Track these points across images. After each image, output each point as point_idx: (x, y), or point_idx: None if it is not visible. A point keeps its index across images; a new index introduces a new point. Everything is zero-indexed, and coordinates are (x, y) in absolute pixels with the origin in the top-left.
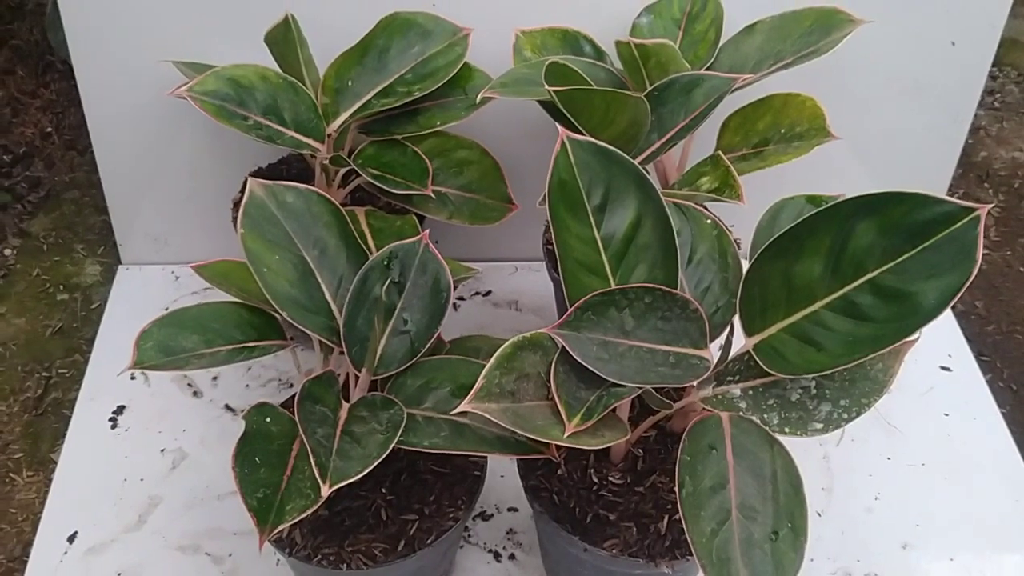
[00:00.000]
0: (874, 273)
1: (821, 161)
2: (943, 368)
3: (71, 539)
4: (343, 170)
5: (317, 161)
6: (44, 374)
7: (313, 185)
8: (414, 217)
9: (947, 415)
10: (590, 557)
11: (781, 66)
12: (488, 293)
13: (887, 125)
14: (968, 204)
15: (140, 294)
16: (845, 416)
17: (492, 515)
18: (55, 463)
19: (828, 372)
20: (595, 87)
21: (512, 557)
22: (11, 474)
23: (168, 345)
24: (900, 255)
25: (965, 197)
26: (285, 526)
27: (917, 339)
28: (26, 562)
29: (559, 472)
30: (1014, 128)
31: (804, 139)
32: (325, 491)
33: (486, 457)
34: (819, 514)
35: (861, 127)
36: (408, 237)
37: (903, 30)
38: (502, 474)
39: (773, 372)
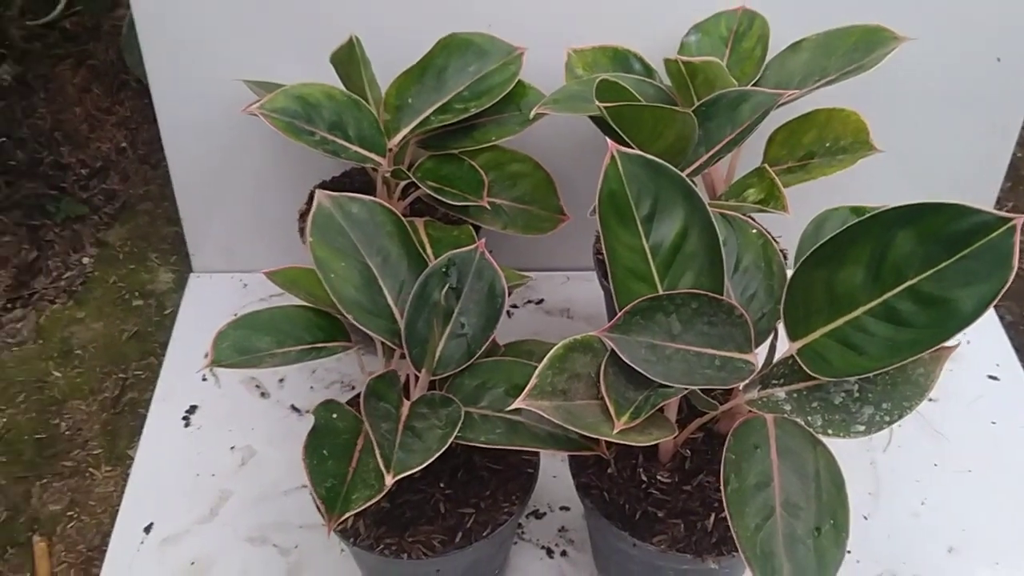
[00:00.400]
0: (913, 280)
1: (865, 174)
2: (991, 377)
3: (147, 530)
4: (403, 183)
5: (379, 174)
6: (121, 375)
7: (375, 197)
8: (470, 227)
9: (994, 423)
10: (639, 553)
11: (826, 82)
12: (540, 301)
13: (932, 139)
14: (1004, 214)
15: (210, 300)
16: (887, 419)
17: (545, 513)
18: (132, 459)
19: (870, 376)
20: (644, 103)
21: (564, 554)
22: (91, 469)
23: (243, 345)
24: (939, 263)
25: (1014, 210)
26: (351, 514)
27: (957, 345)
28: (105, 551)
29: (609, 471)
30: None
31: (848, 152)
32: (389, 481)
33: (539, 456)
34: (865, 517)
35: (906, 141)
36: (464, 246)
37: (947, 46)
38: (554, 475)
39: (816, 376)
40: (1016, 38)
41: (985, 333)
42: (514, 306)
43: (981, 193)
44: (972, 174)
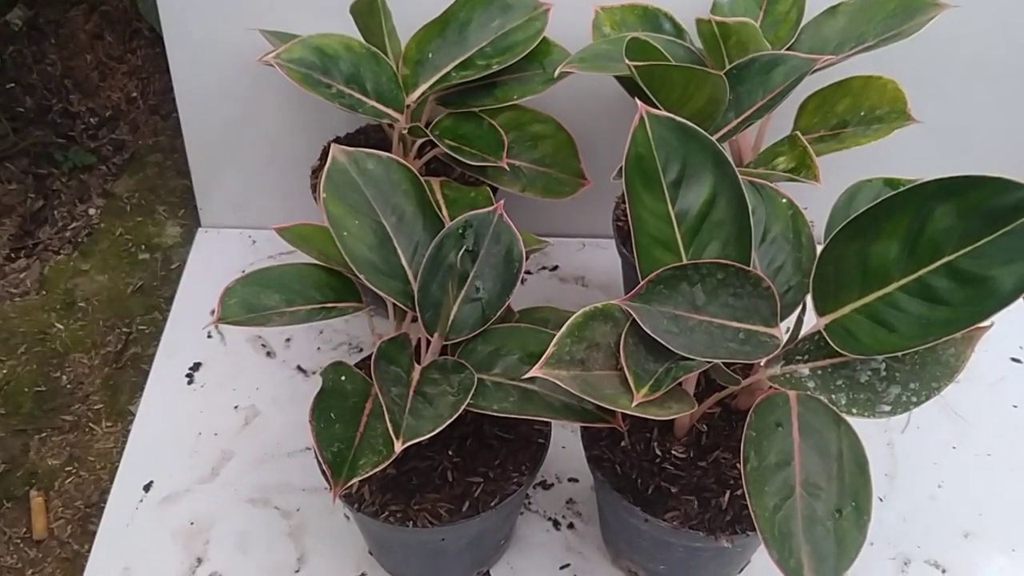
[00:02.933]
0: (951, 256)
1: (898, 146)
2: (1014, 360)
3: (147, 488)
4: (420, 141)
5: (395, 131)
6: (125, 330)
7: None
8: (487, 188)
9: (1015, 407)
10: (650, 528)
11: (863, 48)
12: (555, 268)
13: (969, 112)
14: None
15: (218, 256)
16: (914, 400)
17: (553, 484)
18: (133, 415)
19: (899, 354)
20: (675, 63)
21: (571, 526)
22: (91, 424)
23: (251, 302)
24: (979, 239)
25: None
26: (357, 480)
27: (991, 325)
28: (103, 508)
29: (622, 444)
30: None
31: (884, 122)
32: (398, 447)
33: (550, 425)
34: (881, 499)
35: (942, 114)
36: (481, 208)
37: (989, 15)
38: (564, 445)
39: (844, 352)
40: None
41: (1009, 314)
42: (528, 272)
43: (1016, 170)
44: (1009, 151)
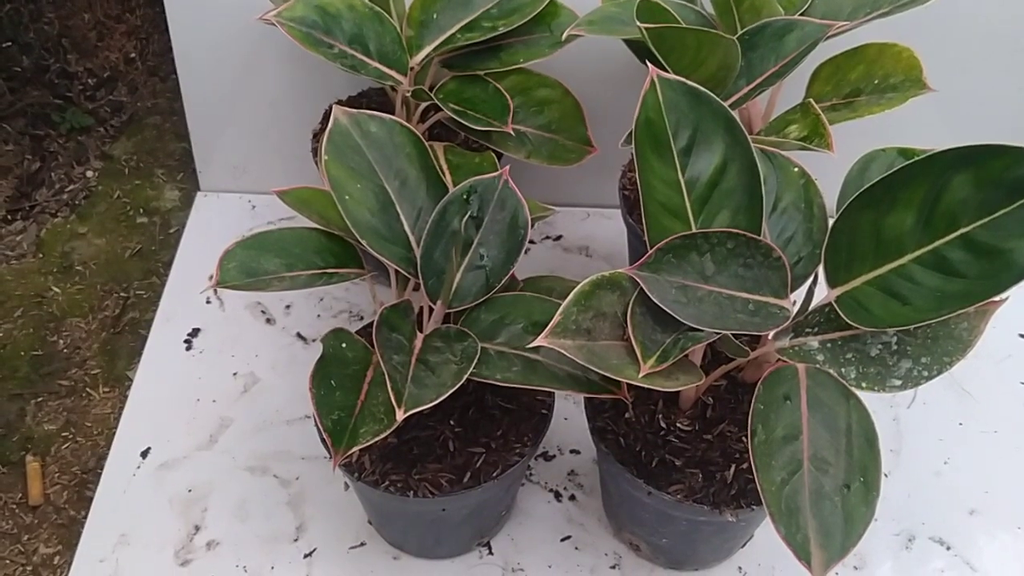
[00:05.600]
0: (967, 228)
1: (910, 116)
2: (1022, 336)
3: (144, 454)
4: (423, 105)
5: (398, 94)
6: (122, 294)
7: None
8: (492, 154)
9: (1023, 384)
10: (653, 501)
11: (878, 15)
12: (559, 238)
13: (983, 82)
14: None
15: (217, 221)
16: (925, 374)
17: (554, 456)
18: (131, 380)
19: (911, 328)
20: (687, 26)
21: (572, 498)
22: (88, 389)
23: (250, 266)
24: (996, 210)
25: None
26: (358, 448)
27: (1006, 299)
28: (100, 474)
29: (626, 416)
30: None
31: (898, 91)
32: (400, 415)
33: (553, 396)
34: (886, 475)
35: (956, 83)
36: (486, 173)
37: None
38: (566, 417)
39: (855, 325)
40: None
41: (1018, 290)
42: (532, 241)
43: None
44: (1021, 120)
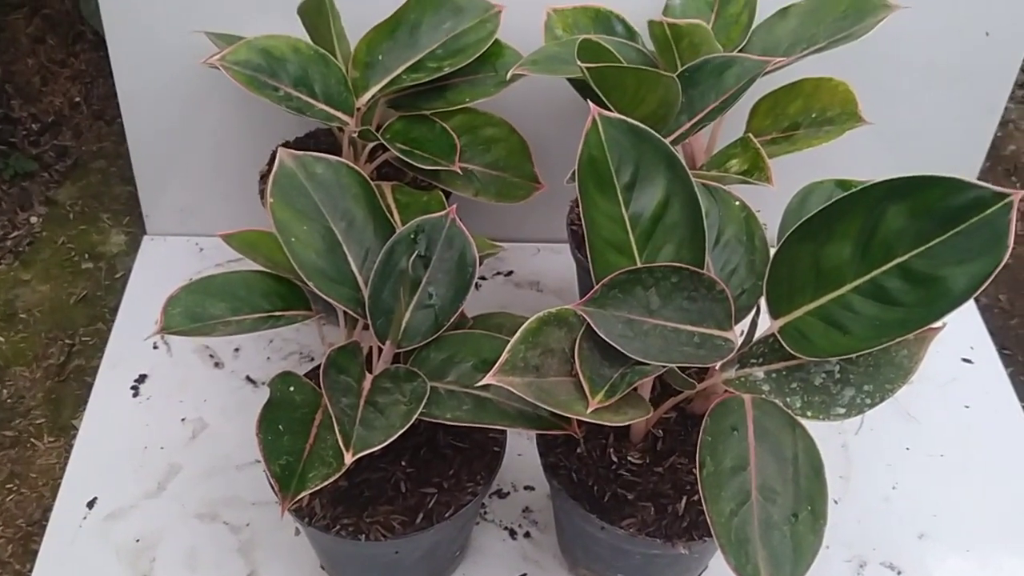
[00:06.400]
0: (904, 257)
1: (849, 148)
2: (965, 360)
3: (90, 505)
4: (371, 145)
5: (345, 135)
6: (67, 341)
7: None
8: (440, 193)
9: (967, 407)
10: (607, 536)
11: (814, 50)
12: (510, 273)
13: (918, 114)
14: (1001, 190)
15: (164, 264)
16: (868, 401)
17: (508, 493)
18: (76, 429)
19: (853, 356)
20: (628, 65)
21: (527, 535)
22: (32, 439)
23: (195, 311)
24: (931, 239)
25: None
26: (307, 493)
27: (943, 326)
28: (45, 526)
29: (578, 451)
30: None
31: (835, 124)
32: (348, 459)
33: (505, 433)
34: (836, 502)
35: (891, 114)
36: (434, 212)
37: (938, 17)
38: (520, 453)
39: (798, 355)
40: (1005, 13)
41: (960, 315)
42: (483, 278)
43: (962, 171)
44: (955, 151)
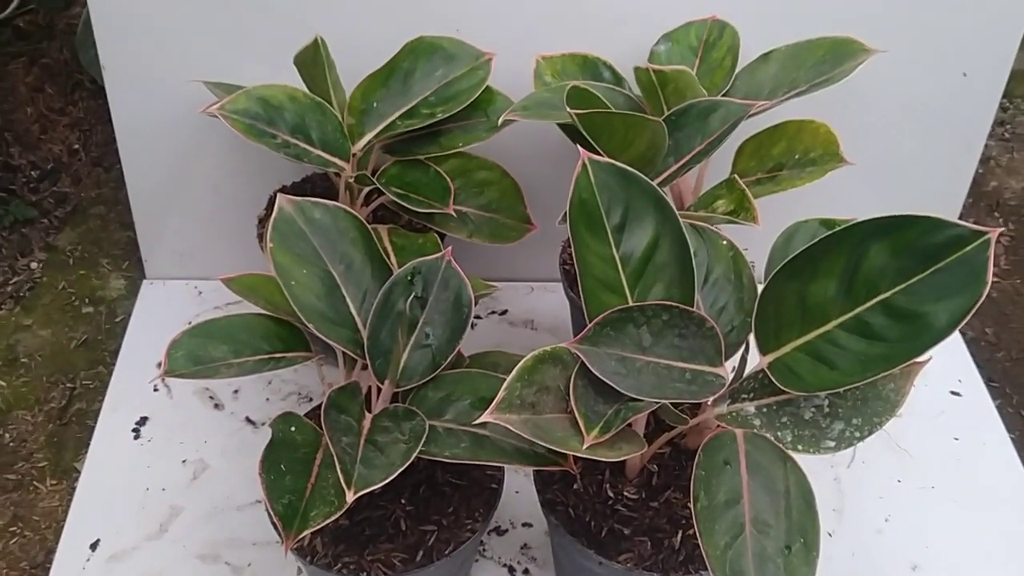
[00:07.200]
0: (887, 294)
1: (833, 187)
2: (953, 393)
3: (93, 547)
4: (366, 189)
5: (342, 180)
6: (69, 385)
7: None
8: (435, 235)
9: (957, 439)
10: (605, 571)
11: (795, 93)
12: (504, 312)
13: (899, 153)
14: (979, 228)
15: (164, 308)
16: (857, 435)
17: (507, 530)
18: (78, 472)
19: (841, 391)
20: (616, 110)
21: (526, 572)
22: (35, 482)
23: (197, 354)
24: (912, 276)
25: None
26: (309, 532)
27: (928, 360)
28: (48, 568)
29: (575, 487)
30: None
31: (818, 164)
32: (350, 497)
33: (503, 470)
34: (830, 534)
35: (873, 154)
36: (429, 254)
37: (916, 60)
38: (517, 490)
39: (787, 390)
40: (982, 54)
41: (947, 349)
42: (478, 317)
43: (944, 208)
44: (937, 189)
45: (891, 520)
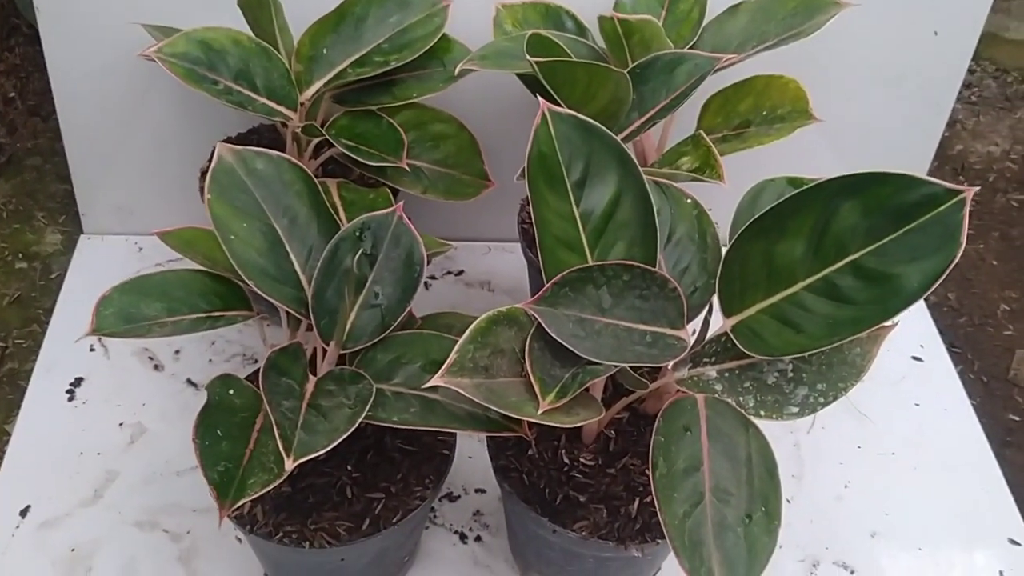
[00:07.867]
0: (856, 255)
1: (799, 146)
2: (915, 359)
3: (23, 513)
4: (315, 141)
5: (289, 131)
6: (0, 344)
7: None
8: (387, 190)
9: (918, 405)
10: (559, 539)
11: (764, 47)
12: (460, 273)
13: (867, 112)
14: (953, 187)
15: (102, 264)
16: (822, 400)
17: (459, 496)
18: (9, 435)
19: (806, 355)
20: (578, 60)
21: (478, 539)
22: None
23: (129, 312)
24: (883, 237)
25: None
26: (246, 501)
27: (896, 324)
28: None
29: (529, 452)
30: (990, 122)
31: (786, 121)
32: (289, 465)
33: (455, 436)
34: (788, 501)
35: (841, 114)
36: (380, 210)
37: (887, 16)
38: (470, 455)
39: (751, 353)
40: (954, 12)
41: (910, 314)
42: (432, 277)
43: (911, 170)
44: (904, 149)
45: (850, 486)
